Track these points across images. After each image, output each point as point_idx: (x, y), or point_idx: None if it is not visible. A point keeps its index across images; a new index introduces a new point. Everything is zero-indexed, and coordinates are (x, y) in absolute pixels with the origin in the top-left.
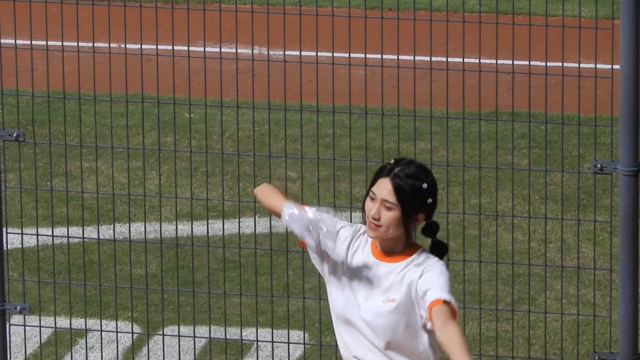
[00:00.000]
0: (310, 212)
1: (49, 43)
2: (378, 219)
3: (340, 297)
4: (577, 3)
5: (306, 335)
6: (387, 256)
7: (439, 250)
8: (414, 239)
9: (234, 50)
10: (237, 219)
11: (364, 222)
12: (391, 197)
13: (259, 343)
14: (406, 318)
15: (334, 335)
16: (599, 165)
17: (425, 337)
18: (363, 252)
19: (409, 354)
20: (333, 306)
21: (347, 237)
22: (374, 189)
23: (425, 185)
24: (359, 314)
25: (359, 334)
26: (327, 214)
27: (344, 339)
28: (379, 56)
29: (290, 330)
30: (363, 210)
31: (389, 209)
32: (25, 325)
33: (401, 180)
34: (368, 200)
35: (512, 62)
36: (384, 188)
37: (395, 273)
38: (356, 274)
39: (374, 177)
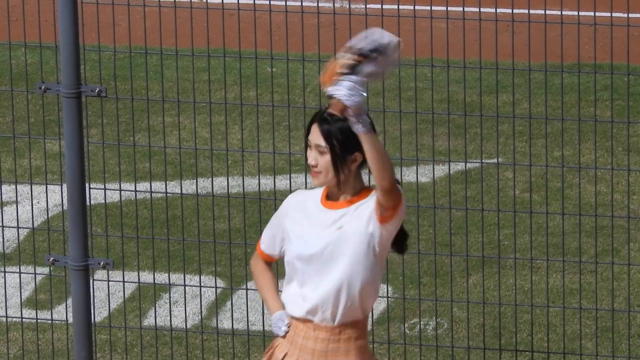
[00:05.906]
0: (268, 250)
1: None
2: (316, 165)
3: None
4: None
5: (390, 288)
6: (335, 202)
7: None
8: (366, 183)
9: (315, 4)
10: None
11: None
12: (321, 140)
13: None
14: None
15: (417, 288)
16: None
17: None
18: (313, 206)
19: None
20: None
21: (292, 212)
22: (309, 137)
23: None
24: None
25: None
26: (270, 231)
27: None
28: (460, 9)
29: None
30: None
31: (322, 153)
32: (108, 281)
33: (328, 123)
34: (308, 150)
35: (594, 14)
36: (315, 133)
37: (346, 214)
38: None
39: (308, 125)
